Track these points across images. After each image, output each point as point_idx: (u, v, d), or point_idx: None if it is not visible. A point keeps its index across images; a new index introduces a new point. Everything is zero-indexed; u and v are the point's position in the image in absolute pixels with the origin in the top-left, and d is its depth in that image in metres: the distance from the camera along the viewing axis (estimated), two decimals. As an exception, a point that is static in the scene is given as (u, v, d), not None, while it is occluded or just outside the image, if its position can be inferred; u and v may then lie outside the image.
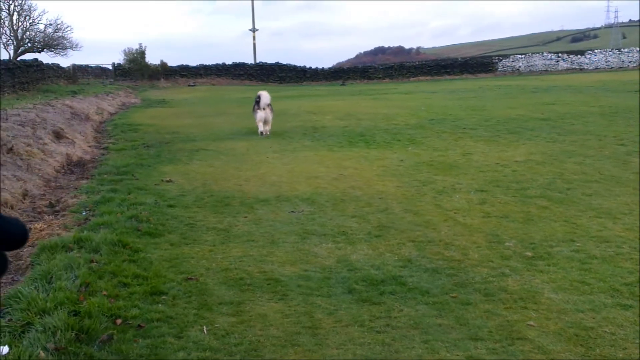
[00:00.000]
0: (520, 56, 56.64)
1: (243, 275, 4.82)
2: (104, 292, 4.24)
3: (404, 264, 5.04)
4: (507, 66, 54.80)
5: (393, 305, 4.18)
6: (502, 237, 5.75)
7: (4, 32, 41.69)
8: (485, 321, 3.89)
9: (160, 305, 4.18)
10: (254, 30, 56.35)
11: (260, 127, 14.29)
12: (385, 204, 7.19)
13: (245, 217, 6.74)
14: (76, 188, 8.37)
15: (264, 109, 14.28)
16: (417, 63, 57.45)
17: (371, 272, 4.85)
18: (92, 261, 4.86)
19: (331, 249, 5.53)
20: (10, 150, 8.88)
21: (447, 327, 3.83)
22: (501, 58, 56.79)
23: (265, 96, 14.42)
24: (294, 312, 4.10)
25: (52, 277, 4.40)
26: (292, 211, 6.96)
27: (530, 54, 57.40)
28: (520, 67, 54.59)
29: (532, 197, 7.35)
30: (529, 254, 5.22)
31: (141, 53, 48.18)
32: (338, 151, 11.65)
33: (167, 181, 8.78)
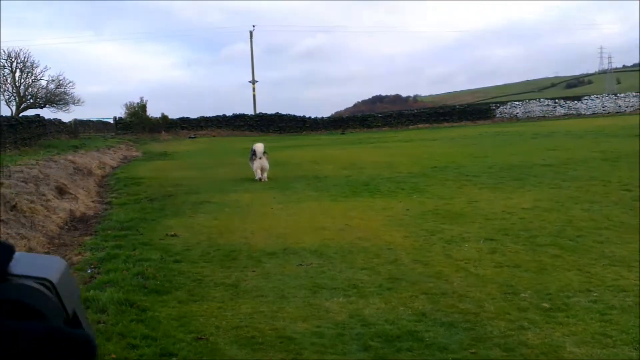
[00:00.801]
0: (517, 103, 57.40)
1: (254, 333, 4.69)
2: (113, 355, 4.12)
3: (419, 318, 4.91)
4: (505, 113, 55.42)
5: (411, 363, 4.05)
6: (517, 287, 5.64)
7: (7, 89, 42.33)
8: (509, 379, 3.75)
9: (170, 367, 4.05)
10: (253, 82, 57.27)
11: (258, 174, 15.58)
12: (395, 255, 7.09)
13: (254, 271, 6.62)
14: (80, 245, 8.28)
15: (260, 158, 15.56)
16: (415, 111, 58.09)
17: (386, 327, 4.73)
18: (99, 322, 4.74)
19: (343, 303, 5.40)
20: (14, 207, 8.82)
21: (469, 386, 3.69)
22: (499, 105, 57.53)
23: (259, 147, 15.70)
24: (309, 373, 3.97)
25: (58, 340, 4.27)
26: (301, 264, 6.85)
27: (527, 101, 58.17)
28: (517, 113, 55.20)
29: (542, 245, 7.25)
30: (546, 305, 5.10)
31: (142, 107, 48.72)
32: (343, 201, 11.59)
33: (172, 235, 8.69)
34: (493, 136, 30.60)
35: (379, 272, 6.38)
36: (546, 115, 54.61)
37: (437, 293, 5.58)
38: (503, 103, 58.46)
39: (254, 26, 62.98)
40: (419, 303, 5.32)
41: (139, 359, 4.16)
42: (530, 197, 10.85)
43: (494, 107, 56.61)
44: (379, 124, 53.23)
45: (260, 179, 15.39)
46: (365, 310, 5.18)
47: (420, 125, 51.94)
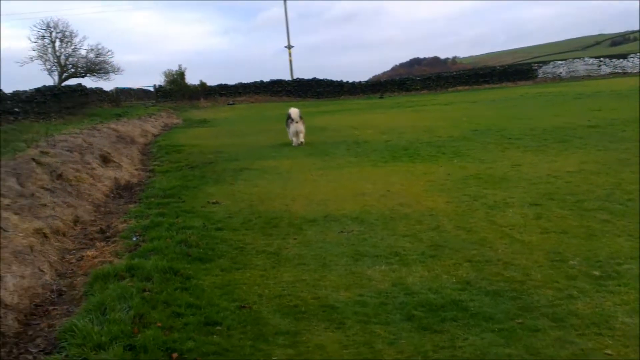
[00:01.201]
0: (560, 62, 55.47)
1: (297, 302, 4.70)
2: (158, 324, 4.17)
3: (463, 287, 4.83)
4: (548, 73, 53.71)
5: (456, 333, 3.99)
6: (565, 254, 5.49)
7: (48, 58, 43.06)
8: (558, 350, 3.67)
9: (215, 336, 4.08)
10: (289, 47, 56.81)
11: (294, 139, 15.93)
12: (437, 222, 6.99)
13: (295, 238, 6.62)
14: (125, 212, 8.41)
15: (296, 122, 15.86)
16: (454, 73, 56.80)
17: (429, 296, 4.67)
18: (144, 290, 4.80)
19: (385, 271, 5.36)
20: (60, 176, 8.99)
21: (516, 357, 3.62)
22: (541, 65, 55.65)
23: (294, 111, 16.11)
24: (352, 343, 3.95)
25: (105, 309, 4.35)
26: (342, 231, 6.82)
27: (571, 60, 56.13)
28: (561, 73, 53.44)
29: (590, 210, 7.03)
30: (596, 273, 4.95)
31: (181, 74, 48.92)
32: (383, 166, 11.47)
33: (214, 203, 8.75)
34: (535, 97, 29.77)
35: (421, 240, 6.30)
36: (590, 74, 52.69)
37: (481, 261, 5.48)
38: (545, 63, 56.54)
39: (289, -10, 62.15)
40: (463, 271, 5.23)
41: (183, 328, 4.19)
42: (576, 159, 10.54)
43: (536, 67, 54.83)
44: (418, 87, 52.33)
45: (299, 144, 15.74)
46: (408, 278, 5.12)
47: (460, 88, 50.87)
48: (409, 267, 5.43)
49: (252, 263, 5.78)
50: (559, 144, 12.64)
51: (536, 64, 56.70)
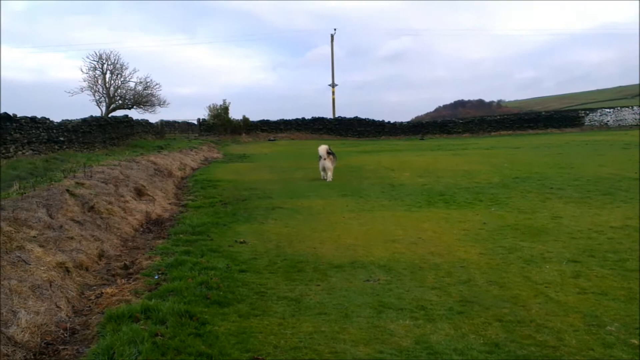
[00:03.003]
0: (608, 110, 54.30)
1: (313, 356, 4.47)
2: (166, 373, 4.00)
3: (491, 349, 4.54)
4: (595, 120, 52.63)
5: (479, 402, 3.70)
6: (602, 318, 5.13)
7: (98, 89, 44.38)
8: None
9: (222, 390, 3.89)
10: (333, 85, 57.30)
11: (322, 175, 17.24)
12: (468, 274, 6.69)
13: (318, 285, 6.42)
14: (152, 248, 8.36)
15: (324, 159, 17.05)
16: (498, 117, 56.17)
17: (453, 357, 4.39)
18: (157, 334, 4.65)
19: (409, 326, 5.09)
20: (92, 208, 9.03)
21: None
22: (588, 112, 54.61)
23: (322, 149, 17.18)
24: (366, 406, 3.70)
25: (114, 353, 4.21)
26: (368, 280, 6.59)
27: (618, 108, 54.92)
28: (608, 121, 52.28)
29: (633, 270, 6.63)
30: (635, 341, 4.60)
31: (225, 109, 49.73)
32: (417, 211, 11.21)
33: (241, 242, 8.64)
34: (581, 145, 29.07)
35: (450, 293, 6.02)
36: (639, 123, 51.41)
37: (512, 321, 5.17)
38: (592, 110, 55.45)
39: (335, 29, 63.39)
40: (492, 331, 4.93)
41: (191, 379, 4.02)
42: (620, 214, 10.08)
43: (583, 114, 53.86)
44: (460, 130, 51.90)
45: (324, 178, 17.00)
46: (432, 336, 4.85)
47: (503, 132, 50.24)
48: (435, 323, 5.16)
49: (271, 310, 5.59)
50: (604, 196, 12.17)
51: (583, 111, 55.68)
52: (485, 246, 8.11)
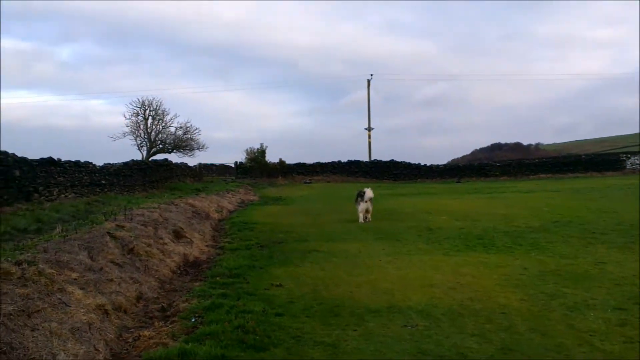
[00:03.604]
0: (651, 153, 53.17)
1: (350, 403, 4.39)
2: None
3: (534, 400, 4.38)
4: (637, 164, 51.50)
5: None
6: (652, 370, 4.93)
7: (139, 134, 45.60)
8: None
9: None
10: (369, 129, 57.71)
11: (361, 217, 17.25)
12: (509, 321, 6.53)
13: (355, 330, 6.34)
14: (189, 291, 8.40)
15: (366, 201, 17.22)
16: (536, 160, 55.53)
17: (495, 408, 4.25)
18: (193, 379, 4.64)
19: (448, 374, 4.97)
20: (131, 251, 9.17)
21: None
22: (629, 155, 53.52)
23: (369, 192, 17.40)
24: None
25: (151, 396, 4.21)
26: (406, 325, 6.48)
27: (662, 151, 53.73)
28: (651, 164, 51.12)
29: (683, 319, 6.38)
30: (689, 395, 4.39)
31: (262, 152, 50.46)
32: (454, 255, 11.05)
33: (277, 285, 8.62)
34: (623, 189, 28.39)
35: (491, 341, 5.87)
36: (683, 166, 50.12)
37: (556, 370, 5.00)
38: (634, 153, 54.36)
39: (371, 75, 63.82)
40: (535, 381, 4.77)
41: None
42: (668, 260, 9.75)
43: (624, 158, 52.81)
44: (497, 173, 51.41)
45: (363, 220, 17.14)
46: (473, 385, 4.72)
47: (542, 175, 49.50)
48: (475, 371, 5.03)
49: (307, 355, 5.53)
50: (648, 241, 11.80)
51: (624, 155, 54.58)
52: (526, 292, 7.91)
